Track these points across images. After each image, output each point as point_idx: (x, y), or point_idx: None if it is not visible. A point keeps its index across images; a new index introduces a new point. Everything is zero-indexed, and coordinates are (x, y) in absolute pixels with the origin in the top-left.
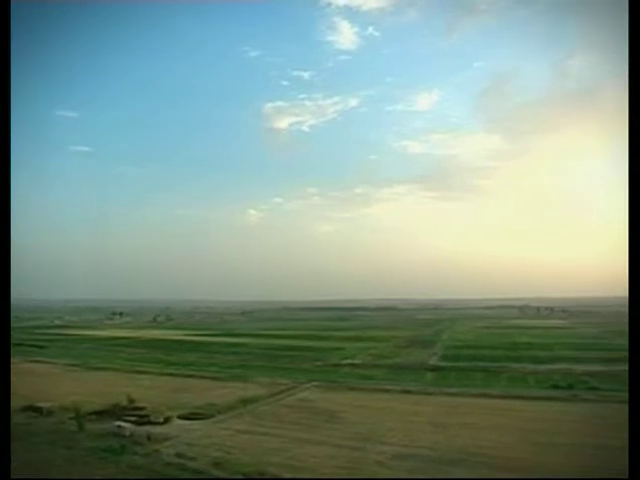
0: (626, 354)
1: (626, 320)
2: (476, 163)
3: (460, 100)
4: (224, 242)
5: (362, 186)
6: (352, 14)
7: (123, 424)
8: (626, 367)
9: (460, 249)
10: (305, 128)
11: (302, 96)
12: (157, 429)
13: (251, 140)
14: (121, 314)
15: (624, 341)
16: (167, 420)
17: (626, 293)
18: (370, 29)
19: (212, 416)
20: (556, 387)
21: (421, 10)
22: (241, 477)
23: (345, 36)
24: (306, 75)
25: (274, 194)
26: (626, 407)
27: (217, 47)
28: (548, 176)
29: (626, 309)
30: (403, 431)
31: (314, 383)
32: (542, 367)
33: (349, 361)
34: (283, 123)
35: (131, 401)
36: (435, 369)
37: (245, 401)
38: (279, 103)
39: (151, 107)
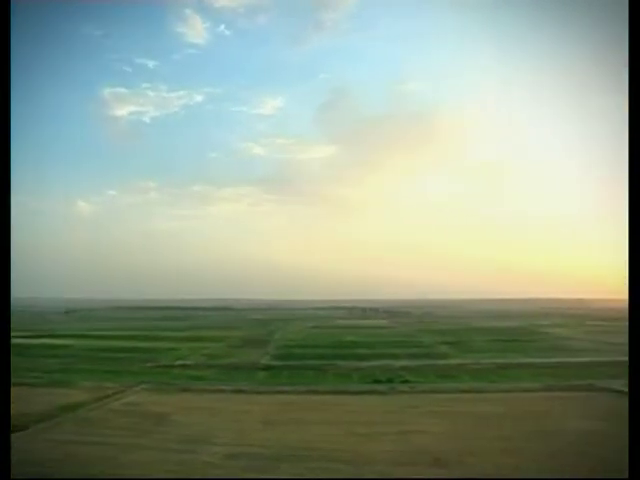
0: (431, 350)
1: (434, 320)
2: (315, 171)
3: (303, 108)
4: (48, 234)
5: (202, 184)
6: (204, 8)
7: None
8: (431, 361)
9: (296, 251)
10: (146, 119)
11: (145, 85)
12: None
13: (85, 126)
14: None
15: (430, 339)
16: None
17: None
18: (222, 27)
19: (27, 427)
20: (377, 381)
21: (272, 17)
22: None
23: (195, 30)
24: (151, 64)
25: (108, 186)
26: (433, 396)
27: (52, 21)
28: (383, 187)
29: (436, 310)
30: (235, 431)
31: (143, 386)
32: (365, 364)
33: (181, 362)
34: (122, 111)
35: None
36: (267, 368)
37: (67, 408)
38: (120, 90)
39: None
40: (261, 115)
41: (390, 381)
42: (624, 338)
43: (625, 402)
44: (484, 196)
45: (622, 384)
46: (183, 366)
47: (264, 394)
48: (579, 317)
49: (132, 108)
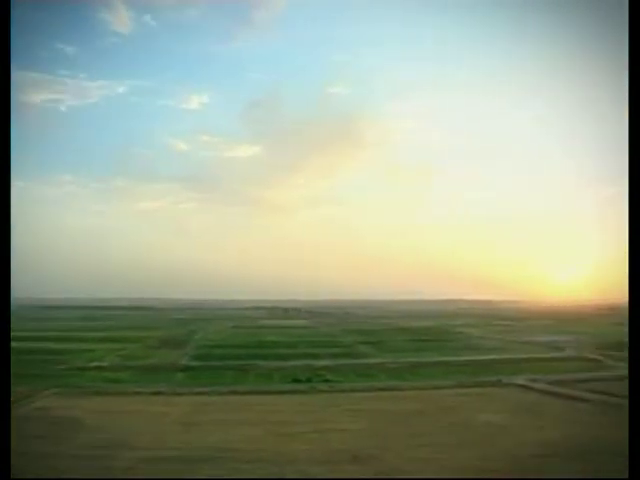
0: (351, 350)
1: (354, 320)
2: (240, 170)
3: (230, 106)
4: None
5: (123, 179)
6: None
7: None
8: (351, 361)
9: (218, 251)
10: (62, 108)
11: (63, 72)
12: None
13: None
14: None
15: (351, 339)
16: None
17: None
18: (147, 17)
19: None
20: (297, 381)
21: (201, 11)
22: None
23: (119, 18)
24: (70, 50)
25: (18, 177)
26: (352, 394)
27: None
28: (305, 189)
29: (357, 310)
30: (153, 434)
31: (54, 389)
32: (286, 363)
33: (96, 364)
34: (36, 98)
35: None
36: (186, 369)
37: None
38: (34, 75)
39: None
40: (186, 110)
41: (310, 380)
42: (527, 337)
43: (528, 395)
44: (404, 199)
45: (525, 379)
46: (98, 368)
47: (183, 395)
48: (488, 317)
49: (47, 95)
